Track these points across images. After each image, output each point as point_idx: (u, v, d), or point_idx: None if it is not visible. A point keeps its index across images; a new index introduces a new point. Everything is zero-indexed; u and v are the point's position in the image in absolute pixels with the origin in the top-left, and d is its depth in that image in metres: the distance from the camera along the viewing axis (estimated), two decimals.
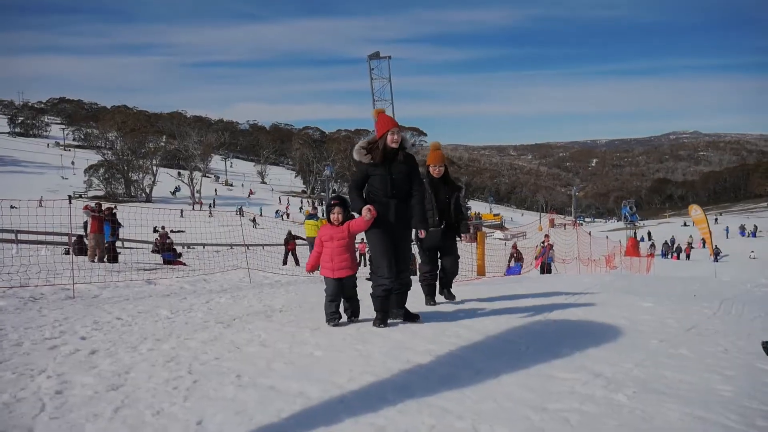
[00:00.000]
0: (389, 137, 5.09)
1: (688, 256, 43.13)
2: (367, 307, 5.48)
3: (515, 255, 19.06)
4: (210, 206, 61.48)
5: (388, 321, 5.26)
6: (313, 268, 5.54)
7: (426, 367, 3.79)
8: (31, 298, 7.41)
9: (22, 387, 3.32)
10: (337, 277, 5.27)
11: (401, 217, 5.22)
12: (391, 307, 5.32)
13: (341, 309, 5.44)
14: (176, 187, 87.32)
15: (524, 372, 3.66)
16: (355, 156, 5.20)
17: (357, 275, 5.47)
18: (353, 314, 5.47)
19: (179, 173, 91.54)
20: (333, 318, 5.31)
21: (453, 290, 7.03)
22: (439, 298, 6.88)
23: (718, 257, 37.35)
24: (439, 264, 6.78)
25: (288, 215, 66.87)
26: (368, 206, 5.02)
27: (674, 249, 46.84)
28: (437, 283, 6.85)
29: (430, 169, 6.61)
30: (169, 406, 2.99)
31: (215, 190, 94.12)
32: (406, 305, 5.51)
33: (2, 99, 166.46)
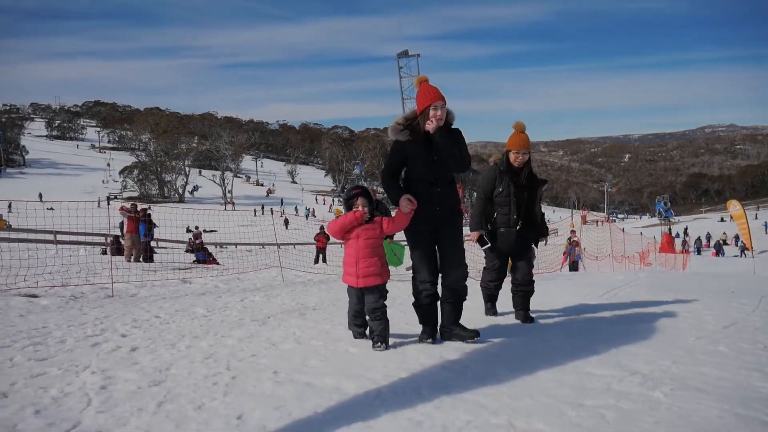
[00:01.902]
0: (431, 113, 4.19)
1: (722, 252, 42.37)
2: (401, 320, 5.47)
3: None
4: (256, 210, 61.66)
5: (441, 340, 4.45)
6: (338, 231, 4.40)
7: (460, 363, 3.81)
8: (72, 297, 7.62)
9: (68, 382, 3.42)
10: (361, 286, 4.32)
11: (447, 208, 4.34)
12: (444, 324, 4.50)
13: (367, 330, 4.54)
14: (194, 186, 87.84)
15: (560, 369, 3.65)
16: (390, 134, 4.38)
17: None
18: (380, 339, 4.25)
19: (200, 172, 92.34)
20: (358, 332, 4.56)
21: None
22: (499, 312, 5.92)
23: (744, 253, 37.02)
24: (509, 272, 5.75)
25: (314, 215, 66.93)
26: (407, 196, 4.18)
27: (714, 245, 45.89)
28: (499, 293, 5.90)
29: (511, 155, 5.40)
30: (209, 401, 3.06)
31: (267, 192, 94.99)
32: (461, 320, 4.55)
33: (40, 103, 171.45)
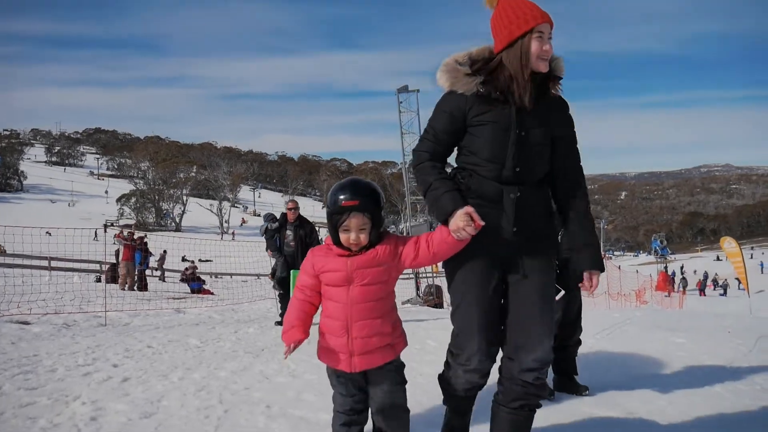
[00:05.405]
0: (535, 45, 2.27)
1: (702, 291, 42.75)
2: None
3: None
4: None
5: None
6: (300, 336, 2.50)
7: None
8: (65, 324, 7.55)
9: (58, 413, 3.38)
10: (360, 369, 2.40)
11: (530, 227, 2.41)
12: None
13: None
14: (166, 211, 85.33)
15: (554, 408, 3.62)
16: (442, 80, 2.41)
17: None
18: None
19: (185, 199, 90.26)
20: None
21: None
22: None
23: (727, 292, 37.96)
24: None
25: None
26: (467, 209, 2.25)
27: (701, 286, 45.92)
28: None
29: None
30: None
31: (241, 221, 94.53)
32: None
33: (40, 129, 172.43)
